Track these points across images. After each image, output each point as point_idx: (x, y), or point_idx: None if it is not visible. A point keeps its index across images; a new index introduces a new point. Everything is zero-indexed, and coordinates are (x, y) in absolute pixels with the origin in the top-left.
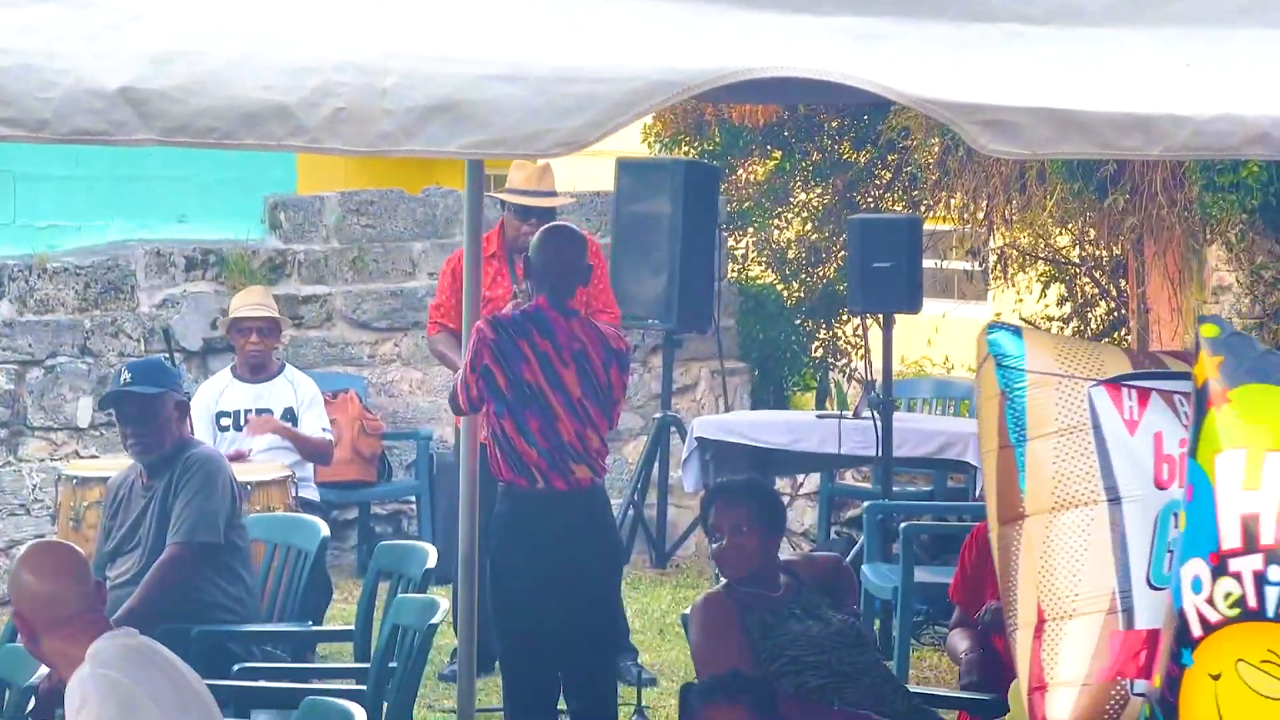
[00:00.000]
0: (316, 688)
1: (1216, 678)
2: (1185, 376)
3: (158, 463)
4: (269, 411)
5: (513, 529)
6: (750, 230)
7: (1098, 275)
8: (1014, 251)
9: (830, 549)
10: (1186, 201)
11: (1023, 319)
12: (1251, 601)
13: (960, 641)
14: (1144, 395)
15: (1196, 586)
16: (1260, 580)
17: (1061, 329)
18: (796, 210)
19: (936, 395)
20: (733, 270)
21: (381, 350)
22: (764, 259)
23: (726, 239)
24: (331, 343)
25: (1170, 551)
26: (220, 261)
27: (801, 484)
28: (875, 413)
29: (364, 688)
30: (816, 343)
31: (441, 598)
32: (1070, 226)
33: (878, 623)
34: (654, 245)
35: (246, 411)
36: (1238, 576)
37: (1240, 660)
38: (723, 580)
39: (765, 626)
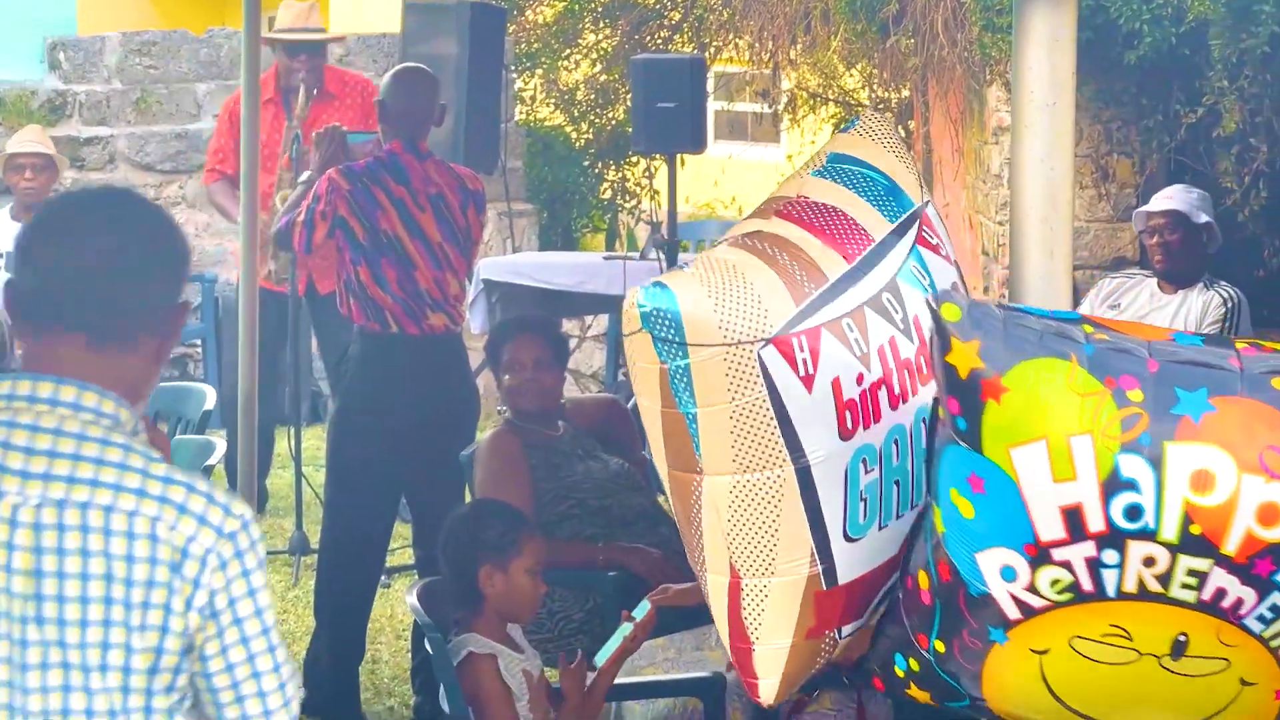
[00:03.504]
0: None
1: (1042, 652)
2: (849, 281)
3: None
4: None
5: (365, 369)
6: (538, 72)
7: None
8: (803, 93)
9: (618, 391)
10: (967, 42)
11: None
12: (1086, 585)
13: None
14: (814, 336)
15: (1009, 575)
16: (1095, 564)
17: None
18: (585, 52)
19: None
20: (520, 112)
21: (166, 193)
22: (552, 101)
23: (514, 81)
24: (115, 185)
25: (864, 499)
26: None
27: (590, 326)
28: (661, 253)
29: None
30: (605, 184)
31: (220, 440)
32: (858, 68)
33: None
34: (440, 87)
35: None
36: (1066, 564)
37: (1076, 637)
38: (505, 419)
39: (551, 466)
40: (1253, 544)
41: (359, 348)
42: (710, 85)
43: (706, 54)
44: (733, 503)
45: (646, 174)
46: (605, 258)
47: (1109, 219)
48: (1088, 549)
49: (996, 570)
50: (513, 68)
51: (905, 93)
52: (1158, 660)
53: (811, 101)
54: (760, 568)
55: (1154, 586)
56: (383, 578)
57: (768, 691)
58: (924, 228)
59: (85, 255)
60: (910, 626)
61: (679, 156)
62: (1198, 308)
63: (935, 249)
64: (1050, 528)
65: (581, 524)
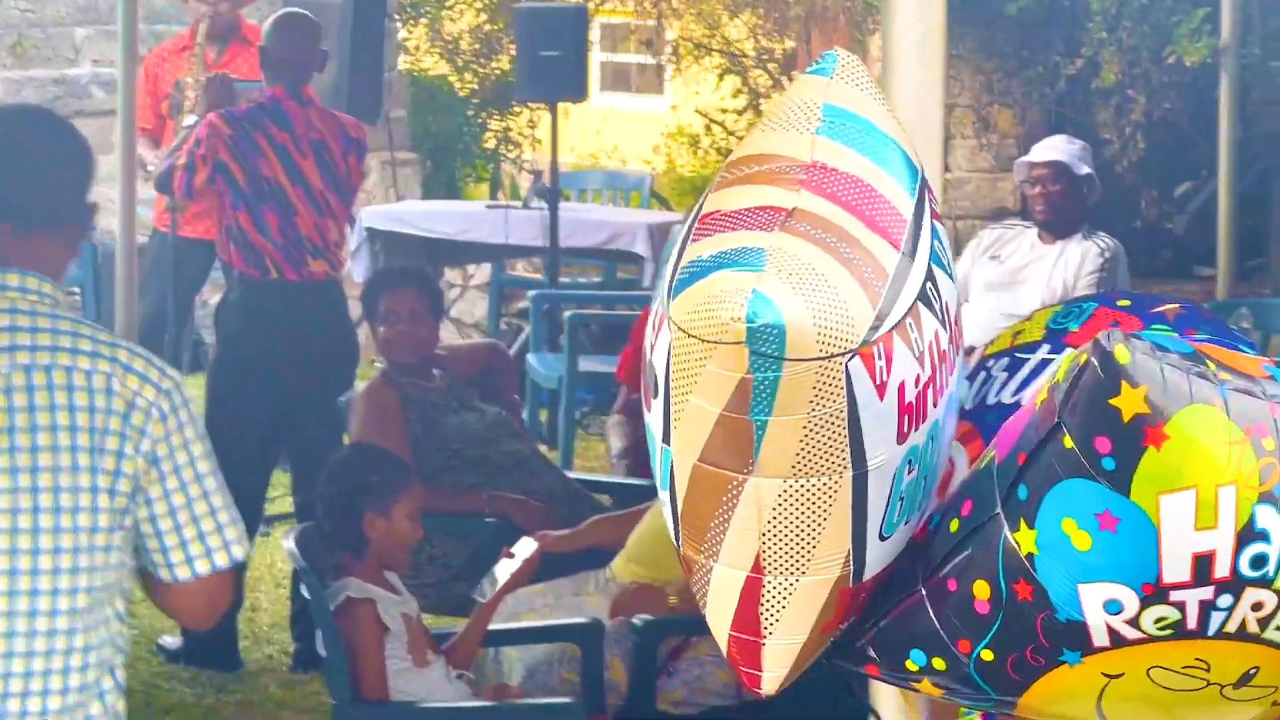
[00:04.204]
0: None
1: (1115, 676)
2: (904, 273)
3: None
4: None
5: (245, 315)
6: (423, 21)
7: (770, 67)
8: (687, 44)
9: (500, 339)
10: None
11: (698, 111)
12: (1191, 624)
13: (616, 440)
14: (888, 341)
15: (1113, 608)
16: (1207, 606)
17: (736, 120)
18: (469, 1)
19: (607, 186)
20: (404, 61)
21: None
22: (436, 50)
23: (398, 29)
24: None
25: (902, 498)
26: None
27: (472, 275)
28: (543, 202)
29: None
30: (489, 134)
31: None
32: (742, 18)
33: (545, 412)
34: (323, 33)
35: None
36: (1180, 605)
37: (1156, 666)
38: (380, 369)
39: (427, 418)
40: None
41: (238, 294)
42: (594, 35)
43: (590, 3)
44: (779, 504)
45: (530, 124)
46: (488, 206)
47: (990, 169)
48: (1206, 593)
49: (1099, 602)
50: (396, 16)
51: (789, 43)
52: (1220, 689)
53: (696, 52)
54: (792, 568)
55: (1253, 629)
56: (261, 526)
57: (771, 684)
58: (930, 197)
59: (13, 153)
60: (945, 629)
61: (562, 106)
62: (1076, 258)
63: (939, 218)
64: (1177, 572)
65: (461, 473)
